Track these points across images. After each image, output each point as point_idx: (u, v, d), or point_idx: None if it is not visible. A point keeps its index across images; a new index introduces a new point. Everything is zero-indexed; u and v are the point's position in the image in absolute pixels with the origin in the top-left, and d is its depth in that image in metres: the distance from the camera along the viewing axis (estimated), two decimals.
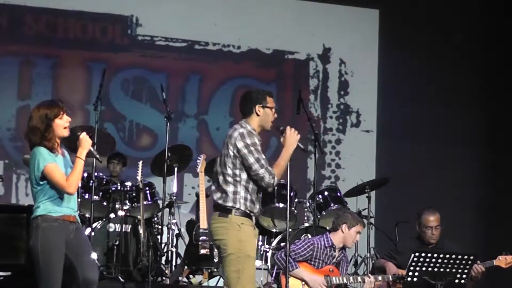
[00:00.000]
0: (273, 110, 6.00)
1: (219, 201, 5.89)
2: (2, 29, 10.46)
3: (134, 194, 8.66)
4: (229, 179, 5.87)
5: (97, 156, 6.10)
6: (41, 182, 5.74)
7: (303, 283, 7.40)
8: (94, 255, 7.83)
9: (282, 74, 11.36)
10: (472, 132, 11.57)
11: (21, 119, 10.40)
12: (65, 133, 5.81)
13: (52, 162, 5.71)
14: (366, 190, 9.20)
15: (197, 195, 8.65)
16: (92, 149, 5.92)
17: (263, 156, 5.86)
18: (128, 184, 8.65)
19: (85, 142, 5.82)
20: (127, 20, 10.83)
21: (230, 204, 5.85)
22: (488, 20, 11.59)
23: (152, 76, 10.80)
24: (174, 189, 8.85)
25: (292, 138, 5.97)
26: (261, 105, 5.96)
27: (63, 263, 5.71)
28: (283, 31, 11.29)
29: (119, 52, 10.81)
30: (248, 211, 5.89)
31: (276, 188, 8.72)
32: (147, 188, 8.73)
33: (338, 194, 9.08)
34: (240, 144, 5.84)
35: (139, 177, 8.40)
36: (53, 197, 5.74)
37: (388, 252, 7.90)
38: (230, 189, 5.86)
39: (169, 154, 8.51)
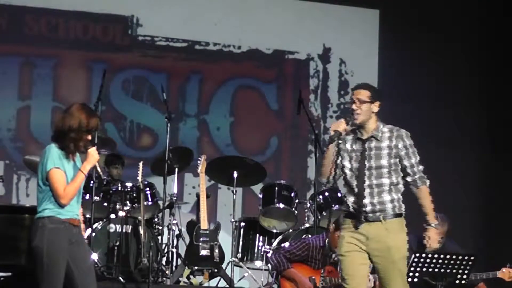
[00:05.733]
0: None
1: None
2: (2, 29, 10.46)
3: (134, 195, 8.64)
4: None
5: (101, 173, 6.17)
6: (47, 182, 5.70)
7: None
8: (94, 256, 7.86)
9: (282, 74, 11.35)
10: (472, 132, 11.56)
11: (22, 120, 10.41)
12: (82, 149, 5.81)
13: (58, 168, 5.69)
14: None
15: (198, 195, 8.67)
16: (97, 164, 5.90)
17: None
18: (129, 184, 8.63)
19: (92, 157, 5.80)
20: (127, 20, 10.83)
21: None
22: (488, 20, 11.58)
23: (153, 76, 10.80)
24: (175, 190, 8.84)
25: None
26: None
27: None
28: (283, 31, 11.28)
29: (120, 52, 10.81)
30: None
31: (277, 188, 8.80)
32: (148, 189, 8.70)
33: (339, 194, 9.06)
34: None
35: (139, 178, 8.40)
36: None
37: None
38: None
39: (170, 155, 8.51)
